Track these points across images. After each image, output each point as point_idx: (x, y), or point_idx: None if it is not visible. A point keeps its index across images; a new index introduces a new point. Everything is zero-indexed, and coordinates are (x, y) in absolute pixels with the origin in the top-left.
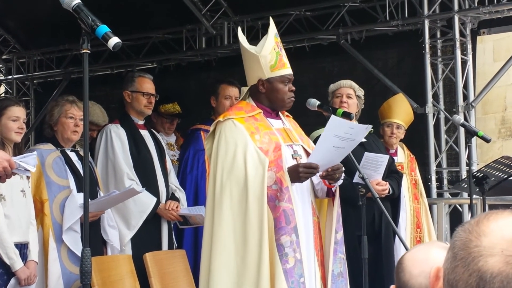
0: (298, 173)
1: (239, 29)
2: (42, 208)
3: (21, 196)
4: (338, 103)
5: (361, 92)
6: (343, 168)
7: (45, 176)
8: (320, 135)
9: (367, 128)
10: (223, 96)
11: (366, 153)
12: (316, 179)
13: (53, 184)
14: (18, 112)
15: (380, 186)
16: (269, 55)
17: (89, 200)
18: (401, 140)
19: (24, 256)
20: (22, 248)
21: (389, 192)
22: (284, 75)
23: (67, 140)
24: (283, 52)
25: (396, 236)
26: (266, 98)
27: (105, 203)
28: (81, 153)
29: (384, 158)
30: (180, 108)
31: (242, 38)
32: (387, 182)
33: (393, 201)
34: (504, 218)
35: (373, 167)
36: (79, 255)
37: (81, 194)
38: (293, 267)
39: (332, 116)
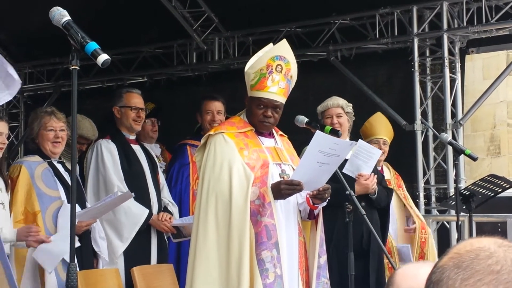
0: (280, 190)
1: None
2: (35, 220)
3: (0, 209)
4: (330, 124)
5: (349, 107)
6: (330, 190)
7: (35, 188)
8: None
9: (352, 145)
10: (204, 111)
11: (360, 141)
12: (300, 198)
13: (44, 196)
14: (0, 126)
15: (367, 181)
16: (252, 74)
17: (82, 209)
18: (386, 159)
19: None
20: None
21: (374, 192)
22: (259, 97)
23: (51, 152)
24: (274, 76)
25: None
26: (248, 115)
27: (99, 210)
28: (67, 165)
29: (377, 152)
30: (153, 104)
31: (261, 50)
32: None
33: (382, 213)
34: (481, 237)
35: (364, 158)
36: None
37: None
38: (273, 282)
39: (317, 131)
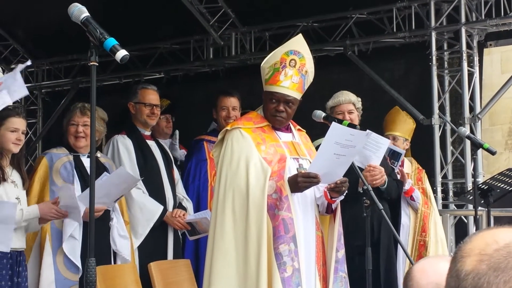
0: (297, 183)
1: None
2: None
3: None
4: None
5: (359, 102)
6: (348, 184)
7: (50, 180)
8: (320, 144)
9: (368, 135)
10: (219, 107)
11: (367, 131)
12: (318, 192)
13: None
14: (17, 123)
15: (376, 172)
16: (266, 69)
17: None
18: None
19: (19, 263)
20: (18, 255)
21: (384, 183)
22: (271, 92)
23: (74, 146)
24: (287, 71)
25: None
26: (263, 110)
27: (100, 193)
28: (101, 159)
29: (385, 142)
30: (168, 101)
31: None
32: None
33: (393, 205)
34: (493, 228)
35: (373, 149)
36: (75, 262)
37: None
38: (291, 276)
39: (333, 123)
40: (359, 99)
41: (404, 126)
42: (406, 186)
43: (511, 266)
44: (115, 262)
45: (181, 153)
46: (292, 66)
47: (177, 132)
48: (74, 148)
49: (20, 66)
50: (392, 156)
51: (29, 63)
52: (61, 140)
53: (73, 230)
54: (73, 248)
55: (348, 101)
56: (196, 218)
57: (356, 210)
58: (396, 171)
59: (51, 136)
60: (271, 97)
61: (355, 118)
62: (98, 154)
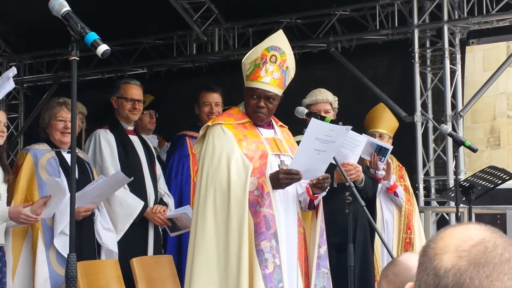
0: (279, 179)
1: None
2: None
3: None
4: None
5: (336, 102)
6: (330, 180)
7: (37, 177)
8: (297, 141)
9: (347, 129)
10: (202, 103)
11: (347, 126)
12: (300, 189)
13: (44, 185)
14: None
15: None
16: (247, 65)
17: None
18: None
19: (0, 260)
20: None
21: (362, 181)
22: (252, 88)
23: (59, 142)
24: (268, 67)
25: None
26: (245, 106)
27: (94, 193)
28: (79, 154)
29: (363, 139)
30: (152, 97)
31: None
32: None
33: (369, 204)
34: (465, 225)
35: (350, 146)
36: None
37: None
38: (272, 272)
39: (313, 119)
40: (336, 98)
41: (389, 124)
42: (391, 182)
43: (490, 261)
44: (99, 258)
45: None
46: (273, 62)
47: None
48: (58, 143)
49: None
50: (379, 152)
51: (14, 71)
52: (41, 136)
53: (64, 226)
54: (64, 244)
55: (326, 100)
56: (176, 214)
57: (332, 206)
58: (382, 166)
59: (33, 131)
60: (252, 93)
61: (331, 117)
62: (77, 150)
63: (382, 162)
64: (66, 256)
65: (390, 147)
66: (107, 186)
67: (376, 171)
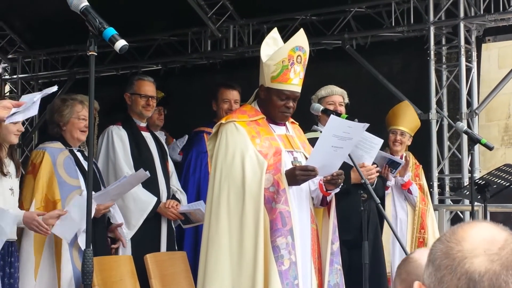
0: (295, 176)
1: (275, 29)
2: (55, 208)
3: (9, 194)
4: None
5: (347, 98)
6: (343, 176)
7: (56, 176)
8: (309, 138)
9: (364, 126)
10: (221, 99)
11: (364, 124)
12: (313, 185)
13: (65, 184)
14: None
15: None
16: (273, 66)
17: (96, 192)
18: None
19: (11, 254)
20: (10, 246)
21: (374, 181)
22: (281, 90)
23: (77, 141)
24: (295, 68)
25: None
26: (264, 105)
27: (116, 191)
28: (86, 153)
29: (379, 141)
30: (162, 93)
31: (269, 37)
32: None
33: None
34: (477, 224)
35: (366, 148)
36: None
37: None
38: (288, 269)
39: (332, 115)
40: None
41: (412, 123)
42: (405, 178)
43: None
44: (116, 252)
45: (179, 157)
46: (299, 63)
47: (186, 136)
48: (72, 141)
49: (45, 92)
50: (391, 164)
51: (55, 89)
52: (52, 133)
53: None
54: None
55: (340, 92)
56: (189, 209)
57: (346, 205)
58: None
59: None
60: (281, 94)
61: (343, 112)
62: (83, 148)
63: (393, 173)
64: None
65: (402, 162)
66: (128, 184)
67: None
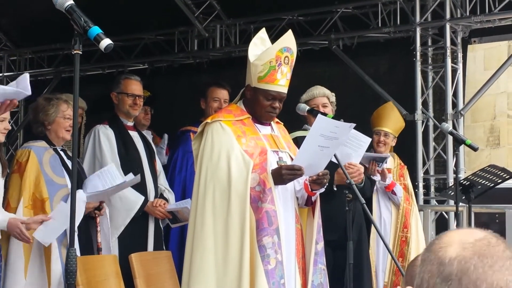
0: (281, 175)
1: (263, 29)
2: (43, 207)
3: None
4: None
5: (333, 97)
6: (329, 176)
7: (43, 174)
8: (296, 137)
9: (351, 127)
10: (211, 98)
11: (351, 124)
12: (298, 185)
13: (52, 183)
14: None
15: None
16: (260, 66)
17: (95, 191)
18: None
19: None
20: None
21: (362, 181)
22: (268, 90)
23: (62, 140)
24: (282, 69)
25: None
26: (249, 104)
27: (107, 193)
28: (69, 152)
29: (367, 140)
30: (148, 93)
31: (257, 37)
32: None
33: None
34: (461, 229)
35: (353, 147)
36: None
37: (80, 191)
38: (274, 268)
39: (319, 115)
40: (333, 94)
41: (396, 124)
42: (387, 181)
43: (494, 254)
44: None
45: (166, 158)
46: (286, 64)
47: (166, 136)
48: (57, 141)
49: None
50: (377, 158)
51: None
52: (36, 132)
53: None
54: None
55: (322, 94)
56: (177, 207)
57: (329, 205)
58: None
59: (31, 126)
60: (266, 94)
61: (329, 112)
62: (65, 147)
63: (380, 166)
64: (77, 253)
65: (387, 155)
66: (120, 188)
67: (372, 176)
